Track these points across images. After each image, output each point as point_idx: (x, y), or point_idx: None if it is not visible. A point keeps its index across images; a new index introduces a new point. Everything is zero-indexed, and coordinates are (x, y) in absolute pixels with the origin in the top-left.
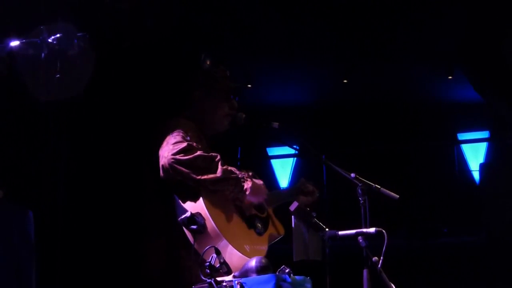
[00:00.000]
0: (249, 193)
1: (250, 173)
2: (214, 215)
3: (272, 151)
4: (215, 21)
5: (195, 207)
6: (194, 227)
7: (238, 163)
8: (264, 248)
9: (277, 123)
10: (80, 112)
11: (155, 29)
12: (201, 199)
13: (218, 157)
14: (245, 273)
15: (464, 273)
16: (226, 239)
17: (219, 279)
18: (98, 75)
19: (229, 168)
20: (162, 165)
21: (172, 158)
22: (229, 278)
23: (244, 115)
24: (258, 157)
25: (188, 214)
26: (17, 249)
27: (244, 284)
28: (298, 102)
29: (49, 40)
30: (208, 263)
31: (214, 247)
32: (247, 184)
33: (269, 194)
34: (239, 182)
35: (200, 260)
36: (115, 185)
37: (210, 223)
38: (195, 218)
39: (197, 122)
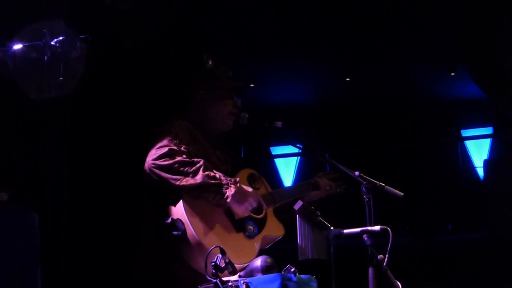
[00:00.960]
0: (230, 200)
1: (237, 179)
2: (194, 221)
3: (276, 150)
4: (217, 21)
5: (176, 212)
6: (175, 233)
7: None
8: (253, 251)
9: (280, 122)
10: (82, 114)
11: (157, 30)
12: (181, 204)
13: (201, 162)
14: (250, 272)
15: (469, 269)
16: (205, 245)
17: (224, 279)
18: (100, 76)
19: (212, 173)
20: (145, 169)
21: (152, 163)
22: (234, 278)
23: (247, 115)
24: (262, 156)
25: (169, 220)
26: (21, 252)
27: (249, 284)
28: (301, 101)
29: (52, 43)
30: (213, 263)
31: (219, 247)
32: (229, 191)
33: (275, 192)
34: (220, 188)
35: (185, 264)
36: (120, 187)
37: (189, 229)
38: (176, 224)
39: (197, 123)
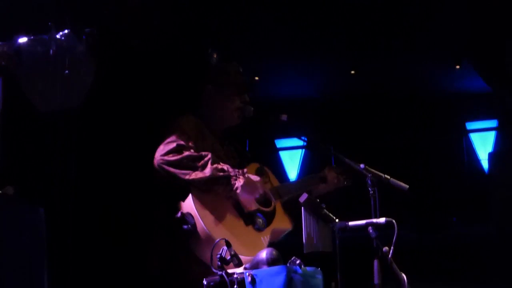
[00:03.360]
0: (240, 191)
1: (245, 170)
2: (204, 215)
3: (281, 143)
4: (223, 16)
5: (186, 206)
6: (185, 227)
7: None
8: (262, 243)
9: (286, 115)
10: (91, 109)
11: (164, 26)
12: (190, 198)
13: (209, 156)
14: (256, 265)
15: (474, 262)
16: (215, 238)
17: (230, 271)
18: (108, 72)
19: (220, 166)
20: (153, 166)
21: (161, 159)
22: (240, 270)
23: (252, 108)
24: (267, 149)
25: (179, 214)
26: (28, 247)
27: (255, 276)
28: (306, 94)
29: (57, 37)
30: (219, 255)
31: (225, 239)
32: (239, 182)
33: (281, 186)
34: (229, 180)
35: (196, 259)
36: (128, 183)
37: (199, 222)
38: (186, 218)
39: (206, 118)
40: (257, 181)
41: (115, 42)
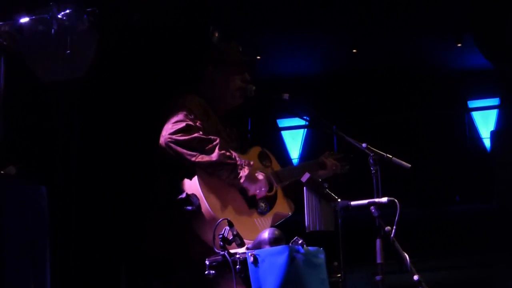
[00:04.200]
0: (244, 181)
1: (251, 162)
2: (209, 196)
3: (283, 122)
4: None
5: (191, 187)
6: (189, 208)
7: (249, 135)
8: (265, 227)
9: (287, 94)
10: (92, 89)
11: (166, 3)
12: (196, 179)
13: (217, 140)
14: (258, 244)
15: (476, 240)
16: (219, 219)
17: (232, 251)
18: (109, 52)
19: (228, 153)
20: (160, 144)
21: (169, 138)
22: (242, 250)
23: (254, 87)
24: (269, 128)
25: (183, 195)
26: (30, 225)
27: (257, 256)
28: (307, 72)
29: (59, 16)
30: (221, 235)
31: (227, 219)
32: (243, 172)
33: (281, 171)
34: (235, 168)
35: (198, 239)
36: (127, 160)
37: (204, 204)
38: (191, 199)
39: (209, 98)
40: (261, 179)
41: (115, 20)
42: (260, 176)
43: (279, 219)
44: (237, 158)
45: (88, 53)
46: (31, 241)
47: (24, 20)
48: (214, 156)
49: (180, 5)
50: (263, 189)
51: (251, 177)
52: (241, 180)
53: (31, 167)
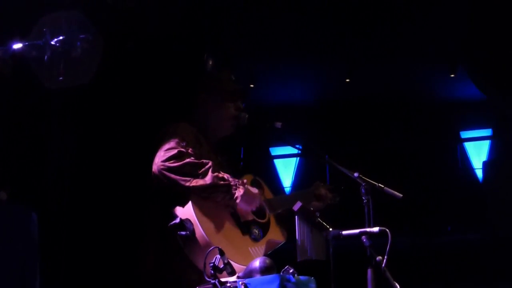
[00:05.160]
0: (240, 201)
1: (244, 181)
2: (203, 221)
3: (275, 151)
4: (218, 22)
5: (185, 213)
6: (183, 233)
7: (241, 163)
8: (259, 253)
9: (280, 123)
10: (84, 115)
11: (159, 29)
12: (190, 204)
13: (210, 163)
14: (249, 273)
15: (469, 271)
16: (213, 245)
17: (223, 279)
18: (102, 76)
19: (221, 175)
20: (153, 172)
21: (162, 165)
22: (233, 278)
23: (246, 115)
24: (261, 157)
25: (177, 220)
26: (21, 252)
27: (248, 285)
28: (300, 101)
29: (52, 42)
30: (212, 264)
31: (218, 248)
32: (239, 192)
33: (274, 199)
34: (230, 189)
35: (192, 264)
36: (119, 188)
37: (198, 229)
38: (184, 224)
39: (201, 126)
40: (256, 193)
41: (109, 46)
42: (255, 189)
43: (273, 246)
44: (230, 179)
45: (82, 80)
46: (21, 266)
47: (18, 46)
48: (208, 179)
49: (175, 33)
50: (258, 204)
51: (247, 196)
52: (237, 200)
53: (22, 193)
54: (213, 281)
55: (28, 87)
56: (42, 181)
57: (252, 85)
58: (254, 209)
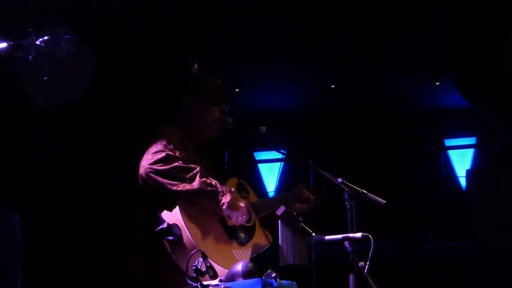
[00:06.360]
0: (226, 207)
1: (232, 189)
2: (190, 226)
3: (260, 155)
4: (205, 27)
5: (172, 217)
6: (171, 238)
7: (225, 168)
8: (245, 257)
9: (265, 128)
10: (68, 116)
11: (144, 32)
12: (177, 209)
13: (197, 168)
14: (231, 277)
15: (451, 278)
16: (201, 250)
17: (205, 283)
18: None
19: (209, 181)
20: (140, 174)
21: (149, 168)
22: (215, 282)
23: (231, 119)
24: (245, 161)
25: (165, 225)
26: (2, 252)
27: None
28: (285, 106)
29: (37, 43)
30: (194, 267)
31: (201, 251)
32: (225, 199)
33: (258, 202)
34: (216, 195)
35: (179, 270)
36: (103, 191)
37: (186, 234)
38: (172, 229)
39: (186, 129)
40: (242, 206)
41: (93, 48)
42: (242, 203)
43: (259, 249)
44: (218, 185)
45: (68, 83)
46: (2, 267)
47: (2, 45)
48: (195, 184)
49: (160, 36)
50: (243, 216)
51: (233, 204)
52: (224, 207)
53: (4, 194)
54: (195, 284)
55: (10, 87)
56: (24, 182)
57: (237, 89)
58: (239, 218)
